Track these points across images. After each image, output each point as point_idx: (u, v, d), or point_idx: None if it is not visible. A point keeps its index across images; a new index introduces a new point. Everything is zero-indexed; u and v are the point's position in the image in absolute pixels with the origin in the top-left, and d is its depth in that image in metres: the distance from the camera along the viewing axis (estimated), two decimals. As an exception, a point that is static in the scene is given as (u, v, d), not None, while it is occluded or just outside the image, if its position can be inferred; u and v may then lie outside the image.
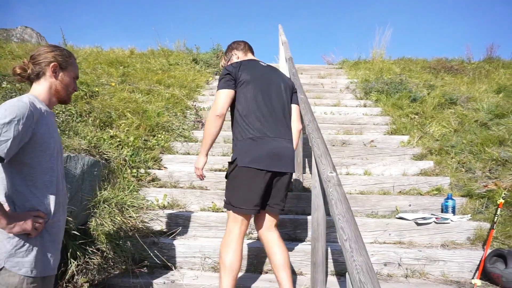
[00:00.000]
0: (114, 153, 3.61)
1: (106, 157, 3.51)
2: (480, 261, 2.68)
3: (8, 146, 1.44)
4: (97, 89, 4.90)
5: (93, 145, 3.52)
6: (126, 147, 3.85)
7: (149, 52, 8.25)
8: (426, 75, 7.36)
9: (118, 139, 3.92)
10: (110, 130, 4.09)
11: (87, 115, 4.17)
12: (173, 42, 9.20)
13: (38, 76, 1.72)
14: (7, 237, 1.49)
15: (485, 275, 2.63)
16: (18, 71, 1.71)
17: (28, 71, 1.71)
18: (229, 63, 2.43)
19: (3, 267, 1.47)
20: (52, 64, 1.71)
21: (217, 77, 7.35)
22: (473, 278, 2.64)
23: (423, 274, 2.72)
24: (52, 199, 1.64)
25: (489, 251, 2.71)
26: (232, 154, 2.24)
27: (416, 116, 5.25)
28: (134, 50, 8.38)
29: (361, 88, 6.65)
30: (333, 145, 4.56)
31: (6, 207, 1.53)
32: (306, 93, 4.20)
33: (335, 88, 6.98)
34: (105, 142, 3.70)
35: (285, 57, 5.89)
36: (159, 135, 4.42)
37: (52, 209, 1.63)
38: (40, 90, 1.72)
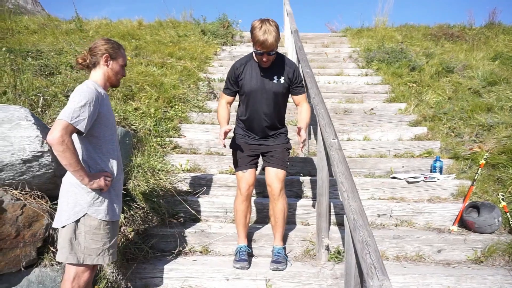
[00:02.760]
0: (140, 124, 4.06)
1: (134, 128, 3.96)
2: (459, 211, 3.17)
3: (86, 123, 1.89)
4: (115, 64, 5.25)
5: (122, 117, 3.96)
6: (149, 118, 4.28)
7: (157, 24, 8.45)
8: (426, 42, 7.57)
9: (141, 111, 4.34)
10: (132, 103, 4.50)
11: (111, 89, 4.56)
12: (180, 13, 9.35)
13: (94, 65, 2.13)
14: (87, 191, 1.97)
15: (462, 223, 3.13)
16: (80, 61, 2.13)
17: (87, 61, 2.12)
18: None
19: (86, 213, 1.96)
20: (105, 55, 2.11)
21: (224, 48, 7.61)
22: (451, 225, 3.14)
23: (410, 223, 3.23)
24: (114, 163, 2.10)
25: (467, 203, 3.19)
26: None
27: (414, 85, 5.59)
28: (142, 21, 8.58)
29: (363, 57, 6.93)
30: (336, 113, 4.96)
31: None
32: (310, 63, 4.55)
33: (338, 57, 7.26)
34: (131, 114, 4.13)
35: (290, 29, 6.14)
36: (176, 106, 4.83)
37: (115, 171, 2.10)
38: (97, 77, 2.13)
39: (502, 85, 5.14)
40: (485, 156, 3.55)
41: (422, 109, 4.92)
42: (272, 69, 2.66)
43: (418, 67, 6.06)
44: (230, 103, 2.83)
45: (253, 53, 2.63)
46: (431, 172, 3.75)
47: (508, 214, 3.04)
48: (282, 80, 2.67)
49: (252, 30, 2.48)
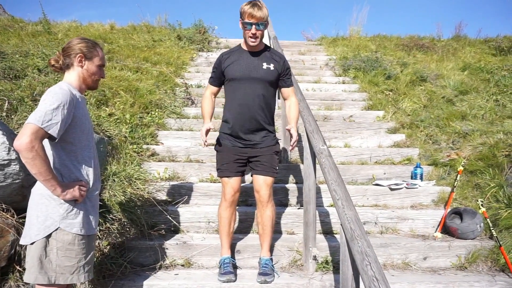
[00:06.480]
0: (114, 131, 3.85)
1: (108, 134, 3.75)
2: (442, 218, 3.19)
3: (59, 128, 1.71)
4: (87, 67, 4.99)
5: (96, 123, 3.74)
6: (124, 124, 4.07)
7: (130, 28, 8.20)
8: (399, 52, 7.78)
9: (116, 117, 4.13)
10: (106, 108, 4.28)
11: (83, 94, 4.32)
12: (154, 18, 9.14)
13: (68, 66, 1.96)
14: (59, 203, 1.78)
15: (445, 229, 3.15)
16: (52, 62, 1.95)
17: (60, 62, 1.95)
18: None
19: (59, 227, 1.77)
20: (78, 55, 1.95)
21: (201, 53, 7.48)
22: (435, 232, 3.16)
23: (395, 230, 3.22)
24: (91, 171, 1.93)
25: (449, 210, 3.22)
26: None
27: (391, 93, 5.69)
28: (114, 25, 8.29)
29: (339, 65, 7.01)
30: (316, 120, 4.91)
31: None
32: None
33: (315, 65, 7.30)
34: (105, 120, 3.91)
35: (268, 35, 6.11)
36: (153, 112, 4.64)
37: (91, 180, 1.93)
38: (71, 78, 1.97)
39: (473, 94, 5.33)
40: (462, 163, 3.61)
41: (400, 116, 5.00)
42: (261, 57, 2.58)
43: (393, 76, 6.18)
44: (215, 94, 2.76)
45: (242, 26, 2.48)
46: (412, 178, 3.78)
47: (488, 219, 3.08)
48: (272, 67, 2.57)
49: (242, 7, 2.46)
